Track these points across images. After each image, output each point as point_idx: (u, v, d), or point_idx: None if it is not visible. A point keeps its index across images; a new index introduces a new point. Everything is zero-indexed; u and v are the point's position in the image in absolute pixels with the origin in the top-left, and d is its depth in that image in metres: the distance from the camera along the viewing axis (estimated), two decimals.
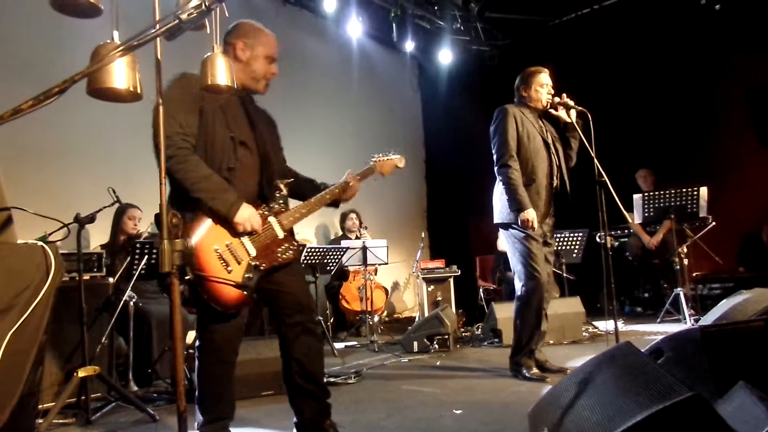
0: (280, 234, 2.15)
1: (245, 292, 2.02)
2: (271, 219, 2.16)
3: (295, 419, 2.26)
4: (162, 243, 1.54)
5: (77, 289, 2.95)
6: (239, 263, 2.04)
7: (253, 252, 2.07)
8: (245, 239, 2.07)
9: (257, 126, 2.20)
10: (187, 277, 1.90)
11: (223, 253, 2.03)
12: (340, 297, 6.01)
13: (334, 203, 2.40)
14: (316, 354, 2.21)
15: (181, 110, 1.97)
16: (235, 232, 2.06)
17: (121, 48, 1.38)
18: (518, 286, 3.38)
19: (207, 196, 1.97)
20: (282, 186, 2.23)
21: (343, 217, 6.32)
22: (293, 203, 2.30)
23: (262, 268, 2.07)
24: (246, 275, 2.03)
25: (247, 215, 2.04)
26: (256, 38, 2.17)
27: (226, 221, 2.03)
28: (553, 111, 3.43)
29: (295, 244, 2.20)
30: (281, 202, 2.21)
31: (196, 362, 2.16)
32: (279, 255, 2.12)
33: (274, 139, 2.33)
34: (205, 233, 2.03)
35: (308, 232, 6.36)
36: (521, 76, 3.51)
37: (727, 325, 2.11)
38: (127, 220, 4.05)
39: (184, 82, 2.02)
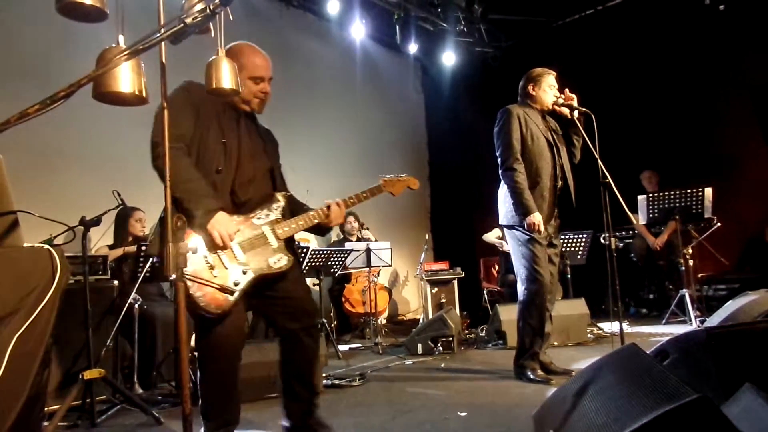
0: (274, 244, 2.15)
1: (230, 297, 2.01)
2: (265, 228, 2.16)
3: (284, 422, 2.27)
4: (167, 246, 1.55)
5: (83, 291, 2.96)
6: (226, 268, 2.04)
7: (242, 258, 2.08)
8: (235, 246, 2.07)
9: (246, 139, 2.22)
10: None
11: (212, 258, 2.05)
12: (343, 300, 6.01)
13: (320, 231, 2.41)
14: (314, 356, 2.29)
15: (177, 115, 1.99)
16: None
17: (126, 52, 1.39)
18: (520, 288, 3.38)
19: (187, 197, 1.96)
20: (280, 197, 2.25)
21: None
22: None
23: (249, 274, 2.07)
24: (233, 280, 2.03)
25: (221, 225, 2.01)
26: (239, 60, 2.13)
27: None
28: (556, 108, 3.41)
29: (291, 254, 2.18)
30: (278, 212, 2.22)
31: (198, 369, 2.14)
32: (270, 264, 2.12)
33: (269, 154, 2.33)
34: (197, 239, 2.04)
35: (308, 233, 6.34)
36: (528, 76, 3.48)
37: (733, 326, 2.10)
38: (134, 222, 4.08)
39: (186, 88, 2.11)
